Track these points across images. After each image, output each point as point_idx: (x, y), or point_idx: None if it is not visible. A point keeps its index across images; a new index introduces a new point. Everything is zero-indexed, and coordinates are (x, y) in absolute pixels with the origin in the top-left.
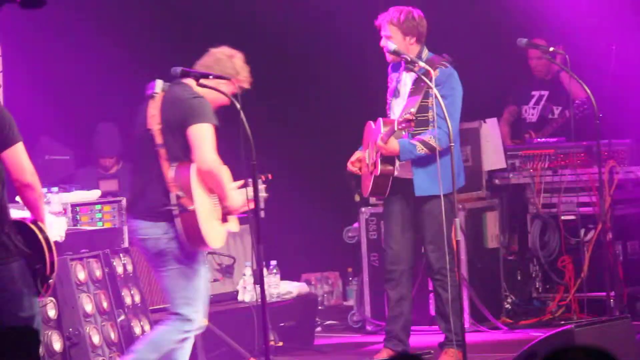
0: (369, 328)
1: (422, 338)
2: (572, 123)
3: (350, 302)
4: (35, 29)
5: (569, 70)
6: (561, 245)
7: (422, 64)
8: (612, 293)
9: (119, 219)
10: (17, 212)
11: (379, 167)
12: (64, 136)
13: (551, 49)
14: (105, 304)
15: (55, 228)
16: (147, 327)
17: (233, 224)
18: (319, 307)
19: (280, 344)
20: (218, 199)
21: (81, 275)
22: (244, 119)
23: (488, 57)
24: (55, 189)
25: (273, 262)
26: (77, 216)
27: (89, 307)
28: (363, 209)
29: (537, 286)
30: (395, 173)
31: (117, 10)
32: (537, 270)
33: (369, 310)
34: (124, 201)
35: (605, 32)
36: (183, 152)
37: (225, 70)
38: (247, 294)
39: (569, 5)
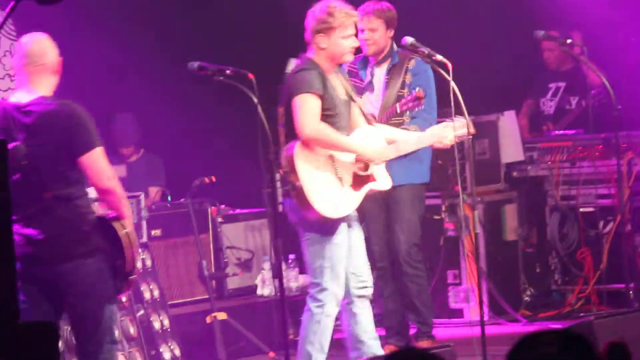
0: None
1: (442, 331)
2: (590, 114)
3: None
4: (52, 22)
5: (586, 61)
6: (580, 237)
7: (439, 57)
8: (632, 285)
9: (138, 214)
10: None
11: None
12: None
13: (568, 40)
14: (124, 299)
15: None
16: (166, 322)
17: (381, 182)
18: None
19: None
20: (354, 160)
21: None
22: (262, 114)
23: (505, 48)
24: None
25: (292, 256)
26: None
27: None
28: None
29: (556, 278)
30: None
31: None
32: (556, 263)
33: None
34: (142, 197)
35: (624, 24)
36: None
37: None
38: (266, 288)
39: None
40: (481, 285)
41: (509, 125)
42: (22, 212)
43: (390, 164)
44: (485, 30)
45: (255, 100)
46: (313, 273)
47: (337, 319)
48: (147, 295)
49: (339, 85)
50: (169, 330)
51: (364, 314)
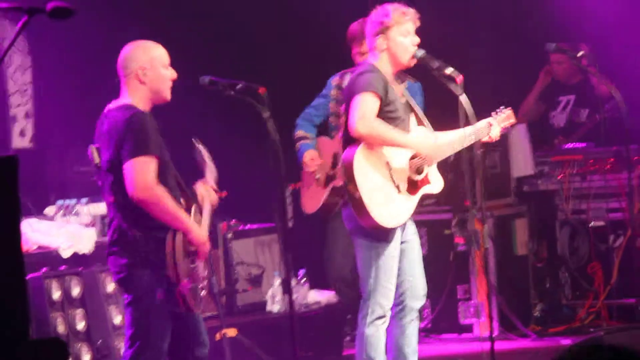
0: None
1: (452, 346)
2: (603, 127)
3: None
4: (66, 39)
5: (597, 74)
6: (590, 251)
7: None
8: None
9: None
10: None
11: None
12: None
13: (579, 53)
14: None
15: (84, 240)
16: None
17: (435, 184)
18: (348, 317)
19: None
20: (408, 165)
21: (110, 287)
22: (272, 128)
23: (514, 62)
24: (84, 200)
25: (301, 271)
26: (106, 228)
27: (117, 319)
28: None
29: (567, 293)
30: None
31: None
32: (567, 277)
33: None
34: None
35: (633, 36)
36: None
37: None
38: (276, 304)
39: (601, 11)
40: (491, 300)
41: (519, 139)
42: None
43: None
44: (496, 43)
45: (266, 114)
46: (363, 281)
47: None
48: None
49: (399, 92)
50: None
51: (412, 325)
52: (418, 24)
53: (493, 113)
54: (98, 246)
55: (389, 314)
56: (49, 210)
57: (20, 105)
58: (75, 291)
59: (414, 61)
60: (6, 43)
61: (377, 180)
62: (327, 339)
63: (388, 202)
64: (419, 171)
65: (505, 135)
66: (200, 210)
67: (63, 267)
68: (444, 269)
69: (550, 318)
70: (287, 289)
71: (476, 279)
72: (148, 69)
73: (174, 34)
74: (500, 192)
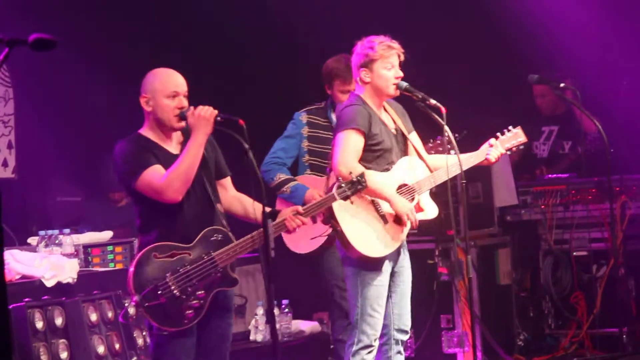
0: None
1: None
2: (585, 158)
3: None
4: (47, 71)
5: (579, 106)
6: (573, 281)
7: (433, 101)
8: (625, 329)
9: (131, 259)
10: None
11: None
12: (76, 177)
13: (562, 84)
14: (117, 346)
15: (67, 270)
16: None
17: (428, 211)
18: (331, 347)
19: None
20: (396, 191)
21: (93, 316)
22: (252, 159)
23: (498, 93)
24: (67, 230)
25: (285, 301)
26: (89, 257)
27: (101, 349)
28: None
29: (550, 322)
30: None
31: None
32: (550, 307)
33: None
34: (135, 242)
35: (616, 67)
36: None
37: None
38: (259, 333)
39: (579, 40)
40: (475, 330)
41: (502, 169)
42: None
43: None
44: (479, 74)
45: (246, 146)
46: (351, 309)
47: None
48: (140, 342)
49: (389, 119)
50: None
51: (397, 358)
52: (402, 58)
53: (499, 133)
54: (81, 276)
55: (376, 344)
56: (32, 240)
57: (3, 136)
58: (59, 321)
59: (398, 92)
60: None
61: (358, 212)
62: None
63: (372, 234)
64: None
65: (487, 166)
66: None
67: (46, 297)
68: (428, 298)
69: (533, 347)
70: (270, 318)
71: (460, 308)
72: (150, 98)
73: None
74: (484, 222)
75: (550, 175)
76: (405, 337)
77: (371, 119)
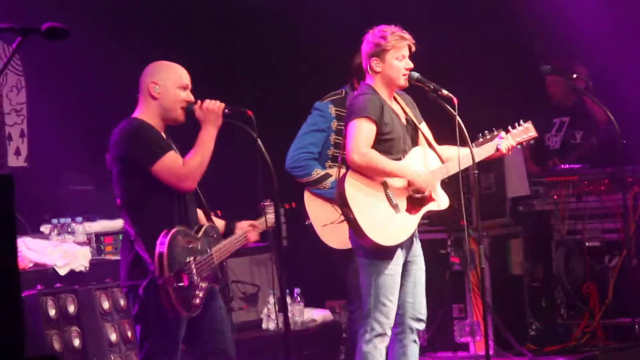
0: None
1: None
2: (597, 149)
3: None
4: (59, 60)
5: (592, 96)
6: (586, 271)
7: (445, 92)
8: (638, 319)
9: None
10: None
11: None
12: (88, 166)
13: (574, 75)
14: (129, 333)
15: (79, 258)
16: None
17: (440, 201)
18: (344, 335)
19: None
20: (407, 184)
21: (105, 304)
22: (262, 147)
23: (510, 82)
24: (79, 219)
25: (297, 290)
26: (102, 245)
27: (113, 337)
28: None
29: (562, 313)
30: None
31: (140, 39)
32: (562, 297)
33: None
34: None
35: (631, 57)
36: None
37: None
38: (272, 322)
39: (594, 30)
40: (487, 320)
41: (514, 159)
42: None
43: None
44: (491, 64)
45: (255, 135)
46: (362, 298)
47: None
48: None
49: (400, 110)
50: None
51: (412, 347)
52: (414, 49)
53: (509, 127)
54: (93, 264)
55: (389, 332)
56: (44, 229)
57: (16, 124)
58: (71, 308)
59: (408, 83)
60: (1, 64)
61: (371, 201)
62: (322, 356)
63: (385, 222)
64: (420, 190)
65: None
66: (215, 233)
67: (59, 285)
68: (440, 288)
69: (546, 337)
70: (282, 307)
71: (472, 298)
72: (160, 85)
73: (167, 57)
74: (496, 212)
75: (562, 166)
76: (421, 326)
77: (383, 108)
